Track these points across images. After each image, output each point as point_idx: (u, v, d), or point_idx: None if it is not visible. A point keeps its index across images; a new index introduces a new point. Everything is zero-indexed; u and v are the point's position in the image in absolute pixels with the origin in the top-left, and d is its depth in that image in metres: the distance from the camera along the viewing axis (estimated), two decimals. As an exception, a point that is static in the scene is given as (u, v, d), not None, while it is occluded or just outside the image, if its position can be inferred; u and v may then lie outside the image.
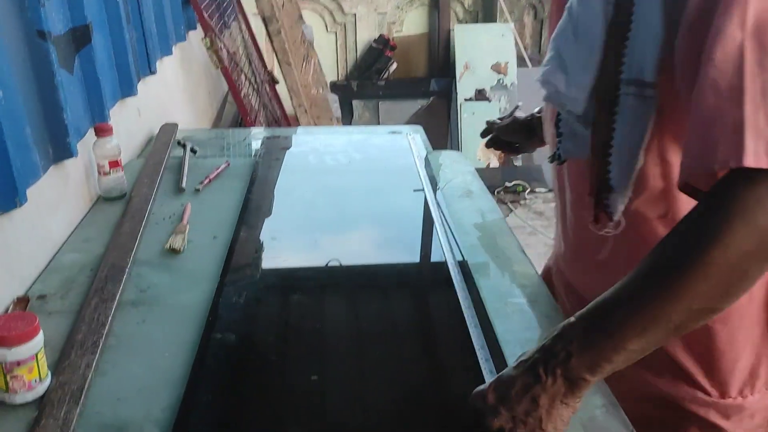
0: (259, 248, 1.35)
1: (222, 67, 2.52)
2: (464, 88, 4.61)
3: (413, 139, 1.98)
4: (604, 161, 0.87)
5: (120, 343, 1.03)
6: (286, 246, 1.37)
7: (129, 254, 1.26)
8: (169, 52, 2.35)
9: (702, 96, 0.71)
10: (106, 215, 1.47)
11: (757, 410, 0.97)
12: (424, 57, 5.11)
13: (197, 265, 1.26)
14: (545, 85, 0.97)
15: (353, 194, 1.64)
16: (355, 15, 4.88)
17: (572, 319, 0.75)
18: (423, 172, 1.69)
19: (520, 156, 4.55)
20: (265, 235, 1.41)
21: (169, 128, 2.00)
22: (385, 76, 4.90)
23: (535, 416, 0.73)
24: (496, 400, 0.75)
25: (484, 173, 4.40)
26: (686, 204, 0.81)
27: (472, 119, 4.55)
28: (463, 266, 1.23)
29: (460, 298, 1.12)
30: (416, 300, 1.24)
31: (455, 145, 4.61)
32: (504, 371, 0.79)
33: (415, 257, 1.37)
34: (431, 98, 4.93)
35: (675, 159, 0.85)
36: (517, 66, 4.64)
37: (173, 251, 1.30)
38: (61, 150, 1.33)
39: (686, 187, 0.75)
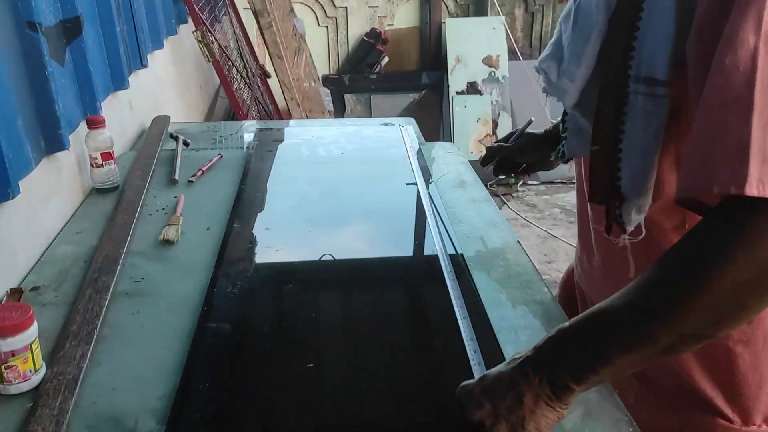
0: (252, 239, 1.35)
1: (213, 60, 2.51)
2: (456, 81, 4.61)
3: (406, 131, 1.98)
4: (613, 166, 0.81)
5: (115, 334, 1.03)
6: (279, 236, 1.37)
7: (123, 245, 1.26)
8: (160, 46, 2.34)
9: (707, 106, 0.65)
10: (99, 207, 1.47)
11: None
12: (416, 50, 5.11)
13: (191, 256, 1.26)
14: (540, 72, 0.92)
15: (346, 185, 1.64)
16: (346, 8, 4.87)
17: (566, 324, 0.74)
18: (416, 165, 1.69)
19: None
20: (258, 226, 1.40)
21: (161, 121, 1.99)
22: (377, 69, 4.90)
23: (518, 414, 0.71)
24: (482, 393, 0.75)
25: (476, 166, 4.41)
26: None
27: (464, 112, 4.56)
28: (455, 258, 1.23)
29: (450, 290, 1.12)
30: (408, 292, 1.24)
31: (447, 138, 4.62)
32: (495, 367, 0.78)
33: (407, 250, 1.37)
34: (423, 92, 4.93)
35: None
36: (509, 59, 4.65)
37: (167, 242, 1.30)
38: (53, 142, 1.33)
39: (686, 201, 0.70)
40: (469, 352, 0.96)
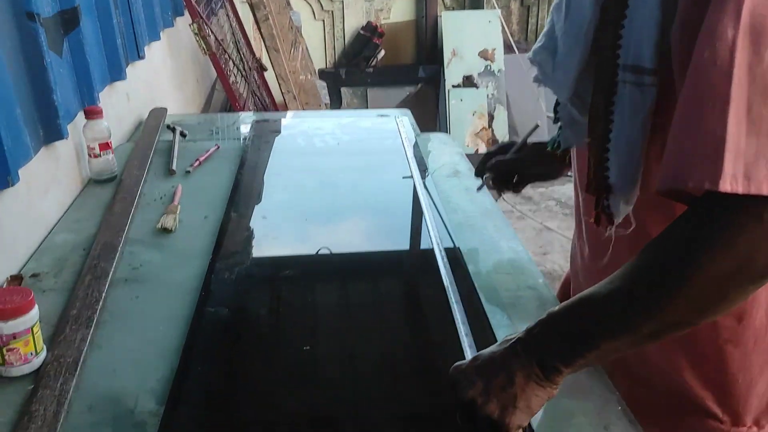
0: (249, 227, 1.36)
1: (210, 53, 2.52)
2: (452, 74, 4.63)
3: (401, 122, 1.99)
4: (602, 157, 0.81)
5: (114, 318, 1.05)
6: (275, 225, 1.39)
7: (121, 233, 1.28)
8: (157, 38, 2.35)
9: (685, 99, 0.65)
10: (97, 197, 1.48)
11: None
12: (412, 44, 5.12)
13: (189, 244, 1.28)
14: (534, 63, 0.92)
15: (342, 176, 1.65)
16: (342, 2, 4.87)
17: (556, 308, 0.75)
18: (411, 156, 1.70)
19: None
20: (255, 215, 1.42)
21: (159, 112, 2.00)
22: (374, 63, 4.90)
23: (510, 393, 0.73)
24: (474, 372, 0.76)
25: (473, 159, 4.42)
26: None
27: (460, 105, 4.57)
28: (450, 251, 1.24)
29: (444, 276, 1.14)
30: (401, 280, 1.26)
31: (444, 132, 4.63)
32: (488, 348, 0.79)
33: (401, 239, 1.39)
34: (419, 85, 4.94)
35: None
36: (504, 53, 4.66)
37: (165, 230, 1.31)
38: (51, 131, 1.34)
39: (668, 193, 0.70)
40: (461, 336, 0.97)
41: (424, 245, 1.30)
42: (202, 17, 2.52)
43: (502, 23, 4.71)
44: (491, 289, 1.11)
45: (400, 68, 5.01)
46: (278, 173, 1.67)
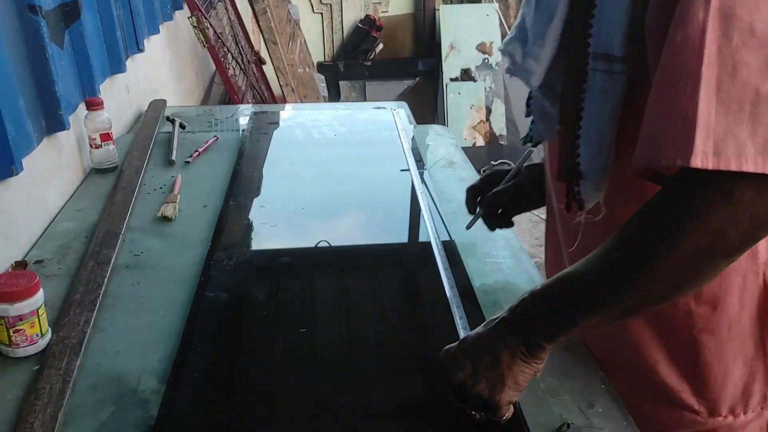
0: (247, 216, 1.39)
1: (208, 46, 2.55)
2: (450, 68, 4.65)
3: (398, 114, 2.02)
4: (573, 144, 0.82)
5: (116, 303, 1.08)
6: (273, 213, 1.42)
7: (122, 221, 1.31)
8: (156, 31, 2.37)
9: (659, 81, 0.67)
10: (98, 187, 1.51)
11: (750, 431, 0.91)
12: (410, 37, 5.14)
13: (189, 232, 1.31)
14: (505, 54, 0.93)
15: (338, 166, 1.69)
16: (340, -5, 4.90)
17: (538, 287, 0.78)
18: (408, 148, 1.73)
19: (506, 135, 4.61)
20: (253, 204, 1.45)
21: (158, 104, 2.03)
22: (372, 56, 4.93)
23: (497, 371, 0.76)
24: (463, 354, 0.79)
25: (470, 152, 4.44)
26: None
27: (458, 99, 4.60)
28: (447, 244, 1.26)
29: (438, 264, 1.17)
30: (396, 268, 1.29)
31: (442, 125, 4.65)
32: (474, 329, 0.82)
33: (394, 227, 1.42)
34: (417, 78, 4.96)
35: None
36: (502, 46, 4.67)
37: (165, 219, 1.35)
38: (53, 122, 1.37)
39: (644, 172, 0.72)
40: (455, 318, 1.01)
41: (417, 234, 1.33)
42: (200, 10, 2.54)
43: (499, 16, 4.73)
44: (486, 278, 1.14)
45: (398, 62, 5.03)
46: (276, 164, 1.70)
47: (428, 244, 1.24)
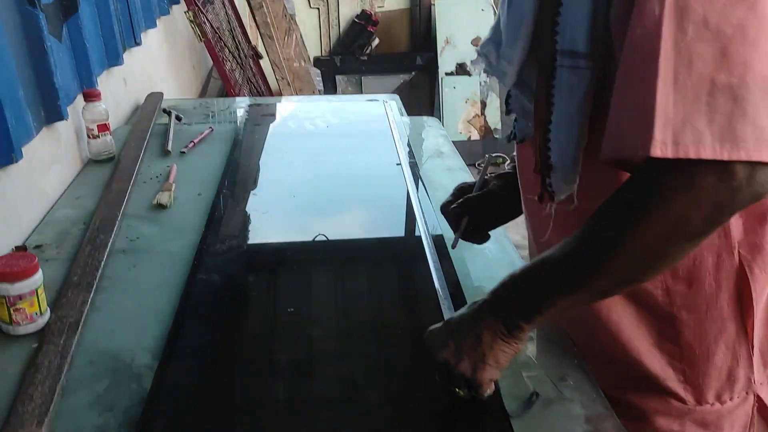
0: (240, 204, 1.44)
1: (205, 40, 2.58)
2: (445, 62, 4.69)
3: (389, 106, 2.06)
4: (545, 138, 0.85)
5: (113, 285, 1.12)
6: (266, 201, 1.46)
7: (119, 208, 1.35)
8: (153, 25, 2.41)
9: (620, 75, 0.70)
10: (96, 176, 1.56)
11: (737, 417, 0.92)
12: (406, 32, 5.18)
13: (183, 218, 1.35)
14: (481, 55, 0.95)
15: (330, 156, 1.73)
16: (337, -10, 4.93)
17: (518, 270, 0.82)
18: (398, 139, 1.78)
19: (501, 129, 4.65)
20: (246, 193, 1.50)
21: (155, 97, 2.07)
22: (368, 51, 4.97)
23: (479, 351, 0.79)
24: (446, 334, 0.83)
25: (465, 146, 4.49)
26: None
27: (453, 93, 4.64)
28: (437, 238, 1.28)
29: (427, 250, 1.22)
30: (384, 254, 1.34)
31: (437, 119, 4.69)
32: (458, 311, 0.85)
33: (383, 212, 1.47)
34: (413, 73, 5.00)
35: None
36: (498, 40, 4.71)
37: (160, 206, 1.39)
38: (52, 112, 1.41)
39: (613, 162, 0.74)
40: (440, 299, 1.06)
41: (408, 224, 1.38)
42: (197, 5, 2.58)
43: (494, 11, 4.77)
44: (473, 269, 1.18)
45: (394, 56, 5.07)
46: (269, 154, 1.75)
47: (418, 238, 1.28)
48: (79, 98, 1.62)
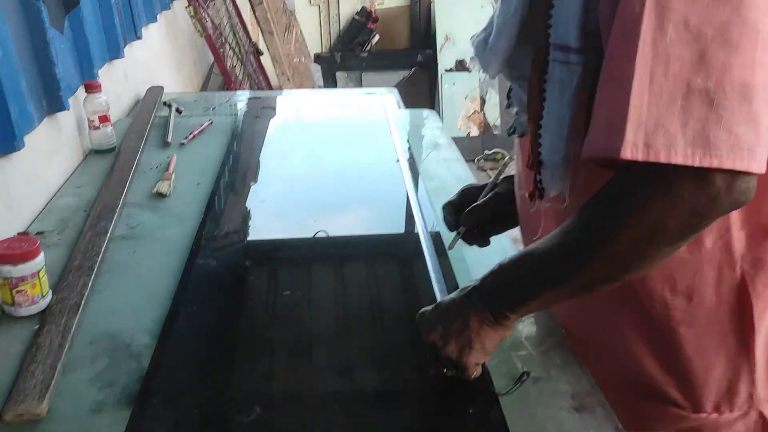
0: (238, 193, 1.46)
1: (206, 35, 2.61)
2: (445, 59, 4.71)
3: (387, 99, 2.09)
4: (536, 133, 0.83)
5: (113, 269, 1.15)
6: (264, 190, 1.49)
7: (119, 197, 1.38)
8: (153, 20, 2.44)
9: (602, 73, 0.69)
10: (97, 166, 1.58)
11: (737, 431, 0.90)
12: (406, 29, 5.20)
13: (182, 207, 1.38)
14: (473, 45, 0.94)
15: (327, 147, 1.76)
16: (337, -13, 4.96)
17: (506, 260, 0.83)
18: (395, 131, 1.80)
19: (500, 125, 4.67)
20: (244, 182, 1.52)
21: (156, 90, 2.10)
22: (368, 48, 4.99)
23: (466, 335, 0.82)
24: (436, 317, 0.85)
25: (464, 142, 4.52)
26: None
27: (453, 89, 4.66)
28: (435, 234, 1.28)
29: (423, 246, 1.24)
30: (381, 242, 1.36)
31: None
32: (448, 295, 0.87)
33: (378, 199, 1.49)
34: (413, 69, 5.02)
35: None
36: (498, 37, 4.72)
37: (160, 195, 1.41)
38: (54, 103, 1.44)
39: (594, 162, 0.72)
40: (433, 283, 1.08)
41: (406, 220, 1.40)
42: (198, 0, 2.61)
43: (494, 8, 4.78)
44: (470, 264, 1.19)
45: (394, 53, 5.10)
46: (267, 145, 1.77)
47: (416, 235, 1.29)
48: (81, 90, 1.64)
